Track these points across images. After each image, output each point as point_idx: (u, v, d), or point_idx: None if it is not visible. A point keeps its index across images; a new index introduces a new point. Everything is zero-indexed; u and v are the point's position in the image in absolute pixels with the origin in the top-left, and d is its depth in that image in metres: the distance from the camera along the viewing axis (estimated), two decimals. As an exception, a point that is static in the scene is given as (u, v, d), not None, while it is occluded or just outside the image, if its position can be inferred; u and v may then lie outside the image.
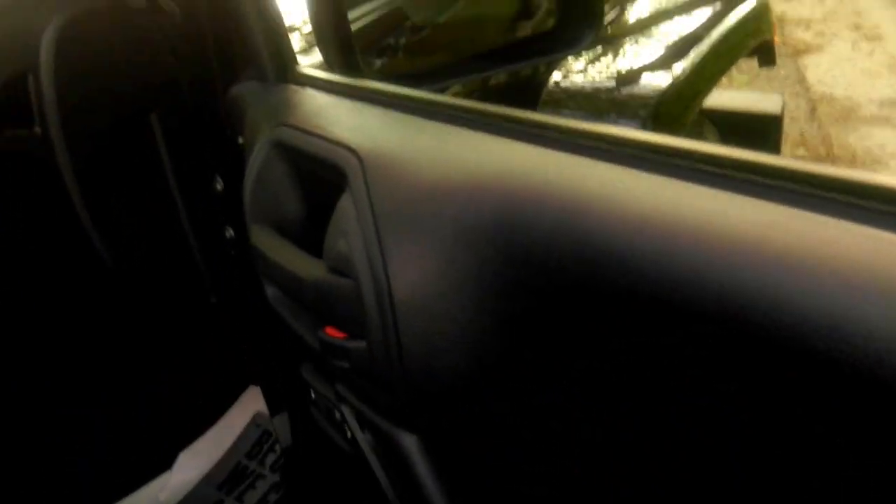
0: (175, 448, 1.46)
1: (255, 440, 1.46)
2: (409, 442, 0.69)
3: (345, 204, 0.67)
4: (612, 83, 1.83)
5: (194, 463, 1.44)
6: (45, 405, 1.28)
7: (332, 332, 0.70)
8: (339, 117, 0.77)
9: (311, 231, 0.81)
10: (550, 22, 1.90)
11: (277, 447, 1.42)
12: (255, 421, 1.48)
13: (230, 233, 1.07)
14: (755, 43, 2.01)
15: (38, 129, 1.09)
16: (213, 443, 1.47)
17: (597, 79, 1.86)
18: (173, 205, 1.23)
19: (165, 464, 1.45)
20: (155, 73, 1.16)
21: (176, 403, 1.46)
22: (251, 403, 1.50)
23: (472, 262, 0.56)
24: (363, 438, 0.79)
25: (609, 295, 0.48)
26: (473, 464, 0.68)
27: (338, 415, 0.84)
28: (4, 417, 1.23)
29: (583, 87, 1.84)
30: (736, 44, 1.91)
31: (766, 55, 2.10)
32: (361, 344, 0.66)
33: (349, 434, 0.82)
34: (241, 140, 0.94)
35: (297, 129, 0.78)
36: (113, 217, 1.19)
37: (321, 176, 0.76)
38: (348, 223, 0.65)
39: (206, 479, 1.43)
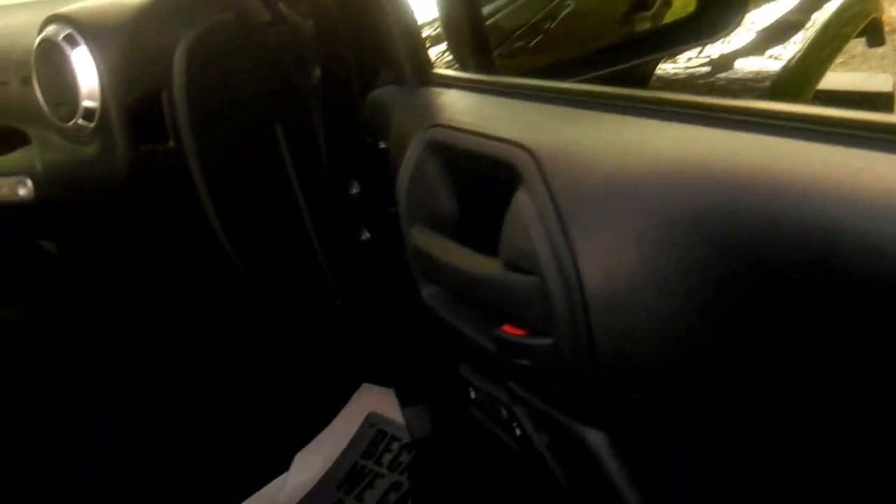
0: (290, 449, 1.47)
1: (371, 439, 1.45)
2: (597, 439, 0.67)
3: (521, 199, 0.65)
4: (707, 69, 1.79)
5: (312, 463, 1.45)
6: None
7: (510, 330, 0.68)
8: (495, 115, 0.76)
9: (468, 229, 0.80)
10: (667, 13, 1.88)
11: (394, 446, 1.42)
12: (369, 420, 1.48)
13: (366, 235, 1.07)
14: (863, 23, 1.93)
15: (172, 143, 1.13)
16: (329, 443, 1.47)
17: (689, 66, 1.82)
18: (298, 210, 1.26)
19: (282, 466, 1.46)
20: (279, 84, 1.18)
21: (290, 404, 1.48)
22: (364, 403, 1.50)
23: (674, 254, 0.54)
24: (538, 437, 0.77)
25: (839, 281, 0.45)
26: (665, 459, 0.66)
27: (505, 413, 0.82)
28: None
29: (676, 75, 1.80)
30: (845, 25, 1.85)
31: (874, 35, 2.02)
32: (547, 341, 0.64)
33: (518, 432, 0.80)
34: (382, 144, 0.94)
35: (453, 128, 0.77)
36: (242, 222, 1.22)
37: (478, 173, 0.75)
38: (529, 219, 0.63)
39: (325, 480, 1.43)
